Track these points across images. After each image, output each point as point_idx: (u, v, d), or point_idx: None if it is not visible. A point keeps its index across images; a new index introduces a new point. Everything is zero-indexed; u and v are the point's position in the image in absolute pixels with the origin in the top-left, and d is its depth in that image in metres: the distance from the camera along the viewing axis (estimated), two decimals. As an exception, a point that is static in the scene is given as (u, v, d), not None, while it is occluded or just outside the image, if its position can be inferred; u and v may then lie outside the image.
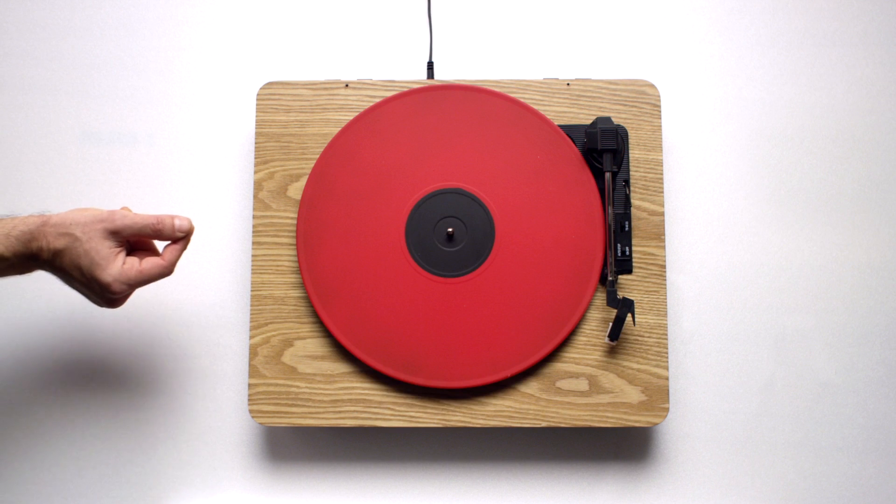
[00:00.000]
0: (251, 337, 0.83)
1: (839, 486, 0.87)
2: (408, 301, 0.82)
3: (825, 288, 0.89)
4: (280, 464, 0.87)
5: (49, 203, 0.89)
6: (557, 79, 0.87)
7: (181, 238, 0.75)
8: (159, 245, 0.77)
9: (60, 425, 0.87)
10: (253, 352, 0.83)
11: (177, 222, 0.74)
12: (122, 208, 0.74)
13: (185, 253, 0.89)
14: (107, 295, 0.72)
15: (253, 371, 0.83)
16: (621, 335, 0.82)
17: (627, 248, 0.84)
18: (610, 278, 0.81)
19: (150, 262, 0.73)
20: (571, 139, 0.85)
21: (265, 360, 0.83)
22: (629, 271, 0.84)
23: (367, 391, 0.83)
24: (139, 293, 0.88)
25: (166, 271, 0.74)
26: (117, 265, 0.71)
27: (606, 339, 0.82)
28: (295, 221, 0.85)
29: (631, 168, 0.85)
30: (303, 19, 0.93)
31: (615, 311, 0.81)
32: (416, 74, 0.92)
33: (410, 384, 0.82)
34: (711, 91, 0.92)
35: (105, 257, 0.71)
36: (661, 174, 0.85)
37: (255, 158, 0.86)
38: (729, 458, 0.87)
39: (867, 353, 0.88)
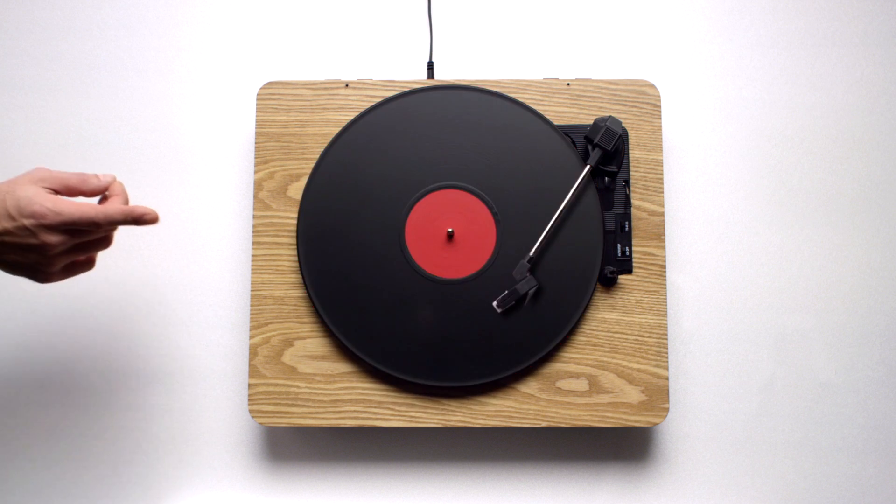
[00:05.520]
0: (251, 337, 0.83)
1: (839, 486, 0.87)
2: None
3: (825, 288, 0.89)
4: (280, 464, 0.87)
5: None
6: (557, 79, 0.87)
7: (104, 188, 0.73)
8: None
9: (60, 425, 0.87)
10: (253, 352, 0.83)
11: (101, 175, 0.73)
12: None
13: (186, 252, 0.89)
14: (41, 237, 0.68)
15: (253, 371, 0.83)
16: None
17: (627, 248, 0.84)
18: (531, 255, 0.81)
19: (85, 203, 0.70)
20: (571, 139, 0.85)
21: (265, 360, 0.83)
22: (629, 271, 0.84)
23: (367, 391, 0.83)
24: (140, 294, 0.88)
25: (101, 214, 0.70)
26: (51, 197, 0.69)
27: (494, 303, 0.82)
28: (295, 221, 0.85)
29: (631, 168, 0.85)
30: (303, 19, 0.93)
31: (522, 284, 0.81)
32: (416, 74, 0.92)
33: (410, 384, 0.82)
34: (711, 91, 0.92)
35: (36, 192, 0.68)
36: (661, 174, 0.85)
37: (255, 158, 0.86)
38: (729, 458, 0.87)
39: (867, 353, 0.88)
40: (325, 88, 0.87)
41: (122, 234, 0.89)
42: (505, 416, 0.82)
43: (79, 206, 0.69)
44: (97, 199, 0.74)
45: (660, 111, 0.86)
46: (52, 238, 0.69)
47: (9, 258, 0.70)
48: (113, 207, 0.71)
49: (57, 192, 0.71)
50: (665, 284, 0.84)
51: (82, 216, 0.69)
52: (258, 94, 0.86)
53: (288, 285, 0.84)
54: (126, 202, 0.73)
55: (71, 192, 0.72)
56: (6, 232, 0.68)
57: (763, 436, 0.87)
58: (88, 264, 0.75)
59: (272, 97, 0.86)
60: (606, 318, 0.83)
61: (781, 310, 0.88)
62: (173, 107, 0.92)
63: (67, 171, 0.72)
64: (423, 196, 0.84)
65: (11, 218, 0.68)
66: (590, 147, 0.83)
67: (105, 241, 0.74)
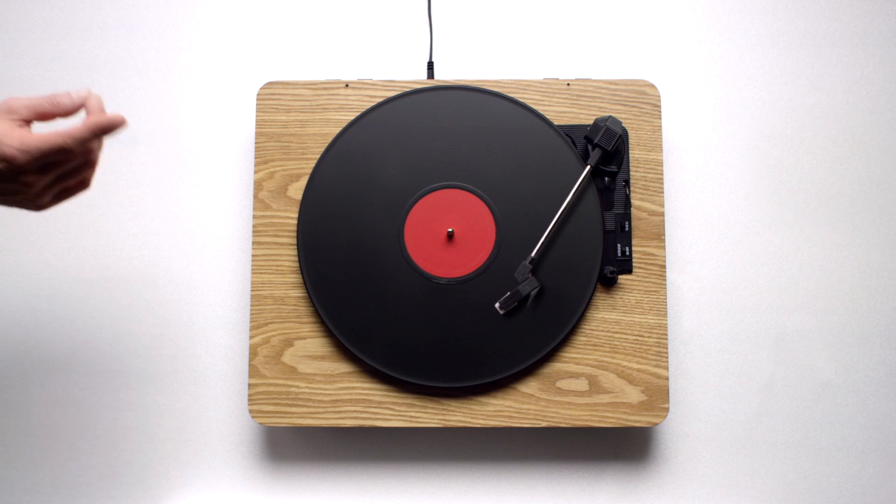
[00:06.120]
0: (251, 337, 0.83)
1: (839, 486, 0.87)
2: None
3: (825, 288, 0.89)
4: (280, 464, 0.87)
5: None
6: (557, 79, 0.87)
7: (79, 106, 0.69)
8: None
9: (60, 425, 0.87)
10: (253, 352, 0.83)
11: (73, 92, 0.69)
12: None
13: (186, 252, 0.89)
14: (19, 178, 0.65)
15: (253, 371, 0.83)
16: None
17: (627, 248, 0.84)
18: (533, 256, 0.81)
19: (52, 131, 0.66)
20: (571, 139, 0.85)
21: (265, 360, 0.83)
22: (629, 271, 0.84)
23: (367, 391, 0.83)
24: (140, 294, 0.88)
25: (67, 138, 0.66)
26: (18, 133, 0.65)
27: (496, 305, 0.82)
28: (295, 221, 0.85)
29: (631, 168, 0.85)
30: (303, 19, 0.93)
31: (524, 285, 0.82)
32: (416, 74, 0.92)
33: (410, 384, 0.82)
34: (711, 91, 0.92)
35: (4, 131, 0.65)
36: (661, 174, 0.85)
37: (255, 158, 0.86)
38: (729, 458, 0.87)
39: (867, 353, 0.88)
40: (325, 88, 0.87)
41: (121, 234, 0.89)
42: (505, 416, 0.82)
43: (44, 137, 0.66)
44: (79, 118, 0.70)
45: (660, 111, 0.86)
46: (29, 177, 0.66)
47: None
48: (78, 127, 0.67)
49: (30, 121, 0.67)
50: (665, 284, 0.84)
51: (50, 147, 0.66)
52: (258, 94, 0.86)
53: (288, 285, 0.84)
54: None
55: (45, 117, 0.68)
56: None
57: (763, 436, 0.87)
58: (82, 185, 0.71)
59: (272, 97, 0.86)
60: (606, 318, 0.83)
61: (781, 310, 0.88)
62: (173, 107, 0.92)
63: (38, 97, 0.68)
64: (423, 196, 0.84)
65: None
66: (590, 147, 0.83)
67: (89, 163, 0.70)
